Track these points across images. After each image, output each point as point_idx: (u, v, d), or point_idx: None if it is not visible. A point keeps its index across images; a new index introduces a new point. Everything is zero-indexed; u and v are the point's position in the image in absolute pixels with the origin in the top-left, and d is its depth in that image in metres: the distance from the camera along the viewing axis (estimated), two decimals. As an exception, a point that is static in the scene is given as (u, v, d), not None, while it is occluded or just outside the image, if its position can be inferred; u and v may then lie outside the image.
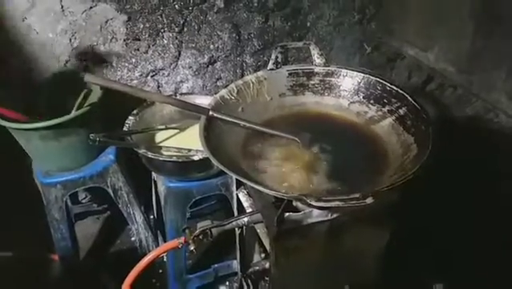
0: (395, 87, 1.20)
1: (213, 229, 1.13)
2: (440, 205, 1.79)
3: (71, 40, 1.72)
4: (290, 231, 1.01)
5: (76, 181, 1.58)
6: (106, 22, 1.73)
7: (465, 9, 1.62)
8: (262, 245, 1.36)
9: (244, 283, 1.64)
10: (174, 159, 1.44)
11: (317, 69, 1.33)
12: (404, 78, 2.13)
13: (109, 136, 1.40)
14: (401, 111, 1.16)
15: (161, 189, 1.60)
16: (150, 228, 1.88)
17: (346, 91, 1.31)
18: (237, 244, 1.59)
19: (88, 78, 1.14)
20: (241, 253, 1.61)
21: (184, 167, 1.46)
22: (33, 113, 1.44)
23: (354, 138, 1.23)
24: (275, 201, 1.05)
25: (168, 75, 1.93)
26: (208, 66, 1.96)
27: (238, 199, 1.37)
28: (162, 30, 1.81)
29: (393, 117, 1.18)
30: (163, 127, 1.63)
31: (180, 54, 1.89)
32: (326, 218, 1.03)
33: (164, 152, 1.52)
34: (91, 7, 1.68)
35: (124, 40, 1.78)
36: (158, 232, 1.98)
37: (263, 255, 1.56)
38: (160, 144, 1.58)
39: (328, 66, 1.33)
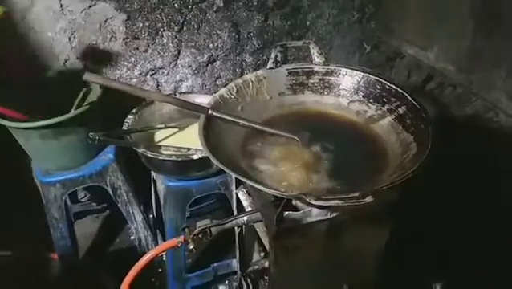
0: (394, 86, 1.20)
1: (212, 228, 1.13)
2: (439, 204, 1.80)
3: (70, 39, 1.72)
4: (290, 230, 1.01)
5: (75, 180, 1.58)
6: (105, 20, 1.72)
7: (465, 8, 1.62)
8: (261, 244, 1.36)
9: (243, 282, 1.64)
10: (173, 158, 1.44)
11: (316, 68, 1.33)
12: (403, 77, 2.13)
13: (108, 134, 1.39)
14: (401, 110, 1.16)
15: (161, 188, 1.60)
16: (149, 227, 1.88)
17: (345, 90, 1.31)
18: (236, 243, 1.58)
19: (88, 77, 1.14)
20: (240, 252, 1.61)
21: (183, 166, 1.46)
22: (32, 112, 1.44)
23: (353, 137, 1.23)
24: (275, 200, 1.05)
25: (168, 73, 1.93)
26: (207, 65, 1.96)
27: (238, 198, 1.37)
28: (161, 29, 1.81)
29: (393, 116, 1.18)
30: (162, 126, 1.63)
31: (179, 53, 1.89)
32: (325, 217, 1.03)
33: (164, 151, 1.51)
34: (90, 6, 1.68)
35: (124, 39, 1.78)
36: (157, 231, 1.98)
37: (263, 254, 1.56)
38: (160, 143, 1.58)
39: (328, 65, 1.33)
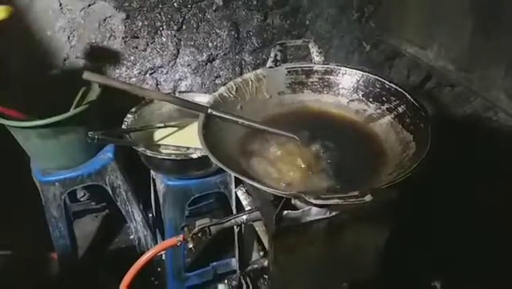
0: (394, 85, 1.20)
1: (211, 227, 1.13)
2: (439, 203, 1.80)
3: (69, 38, 1.72)
4: (289, 229, 1.01)
5: (75, 179, 1.58)
6: (104, 19, 1.72)
7: (465, 6, 1.62)
8: (260, 243, 1.36)
9: (243, 281, 1.64)
10: (173, 157, 1.44)
11: (316, 67, 1.33)
12: (403, 76, 2.13)
13: (108, 133, 1.39)
14: (400, 109, 1.16)
15: (160, 187, 1.60)
16: (149, 226, 1.88)
17: (345, 89, 1.31)
18: (235, 242, 1.59)
19: (87, 75, 1.14)
20: (239, 251, 1.61)
21: (182, 165, 1.46)
22: (31, 111, 1.44)
23: (353, 136, 1.23)
24: (274, 199, 1.05)
25: (167, 72, 1.92)
26: (206, 64, 1.96)
27: (237, 197, 1.37)
28: (161, 28, 1.80)
29: (392, 115, 1.18)
30: (161, 125, 1.63)
31: (178, 52, 1.89)
32: (324, 216, 1.03)
33: (163, 151, 1.51)
34: (89, 5, 1.68)
35: (123, 38, 1.78)
36: (157, 230, 1.98)
37: (262, 253, 1.57)
38: (159, 142, 1.58)
39: (327, 64, 1.33)
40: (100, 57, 1.79)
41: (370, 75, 1.26)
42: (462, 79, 1.71)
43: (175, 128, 1.63)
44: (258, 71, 1.31)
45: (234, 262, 1.74)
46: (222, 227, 1.16)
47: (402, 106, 1.16)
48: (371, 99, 1.26)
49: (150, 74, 1.90)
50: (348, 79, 1.30)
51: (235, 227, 1.48)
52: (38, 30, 1.65)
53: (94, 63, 1.80)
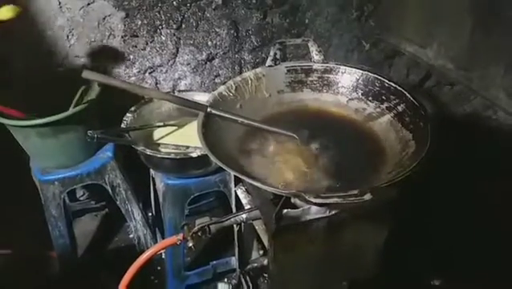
0: (393, 84, 1.20)
1: (211, 226, 1.13)
2: (438, 202, 1.80)
3: (68, 37, 1.71)
4: (289, 228, 1.01)
5: (74, 178, 1.58)
6: (103, 18, 1.72)
7: (464, 5, 1.62)
8: (260, 241, 1.36)
9: (242, 280, 1.64)
10: (172, 156, 1.44)
11: (315, 66, 1.33)
12: (402, 75, 2.14)
13: (107, 132, 1.39)
14: (400, 108, 1.16)
15: (160, 186, 1.60)
16: (148, 225, 1.88)
17: (344, 88, 1.31)
18: (235, 241, 1.59)
19: (86, 74, 1.14)
20: (239, 250, 1.61)
21: (182, 164, 1.46)
22: (31, 110, 1.43)
23: (352, 135, 1.23)
24: (273, 197, 1.05)
25: (166, 71, 1.92)
26: (206, 63, 1.95)
27: (237, 196, 1.37)
28: (160, 27, 1.80)
29: (392, 114, 1.18)
30: (161, 124, 1.62)
31: (178, 50, 1.88)
32: (324, 215, 1.03)
33: (163, 149, 1.51)
34: (88, 4, 1.67)
35: (122, 37, 1.78)
36: (156, 229, 1.98)
37: (262, 252, 1.57)
38: (159, 141, 1.58)
39: (327, 62, 1.33)
40: (99, 56, 1.79)
41: (369, 74, 1.26)
42: (462, 77, 1.72)
43: (174, 127, 1.63)
44: (258, 69, 1.31)
45: (234, 261, 1.74)
46: (222, 226, 1.16)
47: (401, 105, 1.16)
48: (370, 98, 1.26)
49: (149, 73, 1.90)
50: (348, 77, 1.30)
51: (235, 226, 1.48)
52: (37, 29, 1.65)
53: (93, 61, 1.79)
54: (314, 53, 1.34)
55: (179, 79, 1.96)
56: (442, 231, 1.77)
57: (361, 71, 1.28)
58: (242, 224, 1.38)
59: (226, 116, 1.16)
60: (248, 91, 1.28)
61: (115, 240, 2.13)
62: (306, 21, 2.02)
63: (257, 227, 1.26)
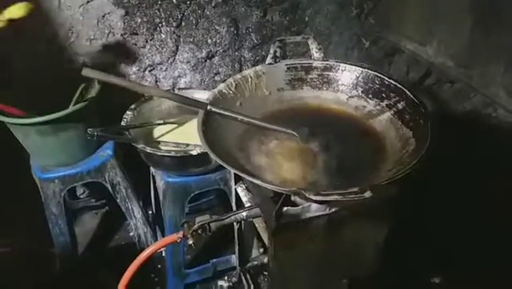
0: (393, 82, 1.20)
1: (211, 224, 1.13)
2: (439, 200, 1.80)
3: (67, 35, 1.71)
4: (289, 225, 1.01)
5: (74, 176, 1.58)
6: (103, 16, 1.72)
7: (464, 3, 1.62)
8: (260, 239, 1.36)
9: (243, 278, 1.65)
10: (172, 154, 1.43)
11: (315, 63, 1.32)
12: (402, 72, 2.13)
13: (107, 130, 1.39)
14: (400, 106, 1.16)
15: (160, 183, 1.60)
16: (149, 223, 1.88)
17: (344, 86, 1.31)
18: (235, 239, 1.59)
19: (86, 72, 1.14)
20: (239, 247, 1.61)
21: (182, 162, 1.46)
22: (31, 108, 1.43)
23: (352, 132, 1.22)
24: (274, 195, 1.05)
25: (166, 69, 1.92)
26: (206, 60, 1.95)
27: (237, 194, 1.37)
28: (160, 25, 1.80)
29: (392, 111, 1.18)
30: (161, 122, 1.63)
31: (177, 48, 1.88)
32: (324, 212, 1.03)
33: (163, 147, 1.51)
34: (88, 1, 1.67)
35: (122, 35, 1.78)
36: (157, 227, 1.99)
37: (262, 250, 1.57)
38: (159, 139, 1.57)
39: (327, 60, 1.32)
40: (99, 54, 1.79)
41: (369, 72, 1.26)
42: (462, 75, 1.71)
43: (174, 125, 1.63)
44: (258, 67, 1.30)
45: (234, 259, 1.74)
46: (222, 224, 1.16)
47: (401, 102, 1.16)
48: (370, 96, 1.25)
49: (149, 71, 1.90)
50: (348, 75, 1.30)
51: (235, 224, 1.49)
52: (37, 27, 1.65)
53: (93, 59, 1.79)
54: (314, 51, 1.34)
55: (179, 76, 1.96)
56: (442, 229, 1.78)
57: (361, 69, 1.28)
58: (242, 222, 1.38)
59: (226, 113, 1.16)
60: (248, 89, 1.28)
61: (116, 238, 2.13)
62: (306, 18, 2.01)
63: (257, 225, 1.26)
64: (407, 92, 1.15)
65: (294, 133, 1.17)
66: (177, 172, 1.54)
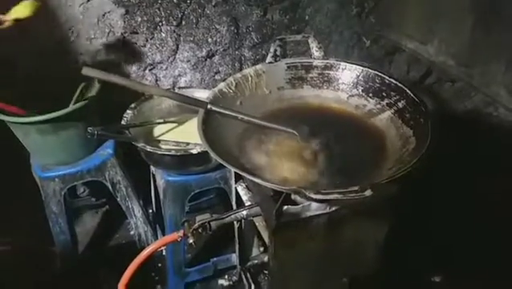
0: (394, 81, 1.20)
1: (212, 223, 1.13)
2: (439, 199, 1.80)
3: (68, 34, 1.71)
4: (289, 224, 1.01)
5: (74, 175, 1.58)
6: (103, 15, 1.72)
7: (465, 1, 1.62)
8: (260, 238, 1.36)
9: (243, 277, 1.64)
10: (173, 153, 1.44)
11: (316, 62, 1.32)
12: (403, 71, 2.13)
13: (107, 129, 1.39)
14: (400, 105, 1.16)
15: (160, 182, 1.60)
16: (149, 222, 1.88)
17: (345, 85, 1.30)
18: (236, 237, 1.59)
19: (86, 71, 1.13)
20: (240, 246, 1.61)
21: (182, 161, 1.46)
22: (31, 107, 1.43)
23: (353, 131, 1.22)
24: (274, 194, 1.05)
25: (166, 68, 1.92)
26: (206, 59, 1.95)
27: (237, 192, 1.37)
28: (160, 24, 1.80)
29: (392, 110, 1.18)
30: (161, 120, 1.62)
31: (178, 47, 1.88)
32: (324, 211, 1.03)
33: (163, 146, 1.51)
34: (88, 0, 1.67)
35: (122, 34, 1.77)
36: (157, 226, 1.99)
37: (262, 248, 1.57)
38: (159, 138, 1.57)
39: (327, 59, 1.32)
40: (99, 53, 1.79)
41: (370, 71, 1.26)
42: (463, 74, 1.71)
43: (175, 124, 1.63)
44: (258, 66, 1.30)
45: (234, 258, 1.74)
46: (222, 223, 1.16)
47: (402, 101, 1.16)
48: (371, 95, 1.25)
49: (149, 70, 1.90)
50: (348, 74, 1.30)
51: (235, 223, 1.48)
52: (37, 27, 1.65)
53: (93, 58, 1.79)
54: (315, 49, 1.33)
55: (179, 75, 1.96)
56: (442, 228, 1.77)
57: (361, 68, 1.27)
58: (243, 221, 1.38)
59: (226, 112, 1.16)
60: (248, 88, 1.27)
61: (116, 237, 2.13)
62: (307, 17, 2.01)
63: (257, 224, 1.26)
64: (407, 91, 1.15)
65: (295, 132, 1.17)
66: (177, 171, 1.54)
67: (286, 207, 0.99)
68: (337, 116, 1.28)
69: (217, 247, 1.90)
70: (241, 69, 2.01)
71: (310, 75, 1.33)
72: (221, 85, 1.23)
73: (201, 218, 1.14)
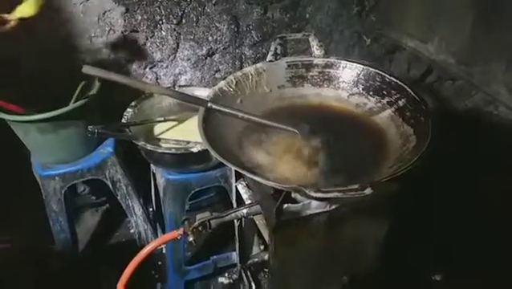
0: (394, 79, 1.20)
1: (212, 221, 1.13)
2: (439, 197, 1.80)
3: (69, 33, 1.71)
4: (289, 222, 1.01)
5: (74, 174, 1.58)
6: (103, 13, 1.71)
7: (465, 0, 1.62)
8: (261, 236, 1.36)
9: (243, 275, 1.64)
10: (173, 151, 1.44)
11: (316, 61, 1.32)
12: (403, 70, 2.13)
13: (107, 128, 1.39)
14: (400, 103, 1.16)
15: (160, 181, 1.60)
16: (149, 220, 1.88)
17: (345, 83, 1.30)
18: (236, 236, 1.59)
19: (86, 69, 1.13)
20: (240, 244, 1.61)
21: (183, 159, 1.46)
22: (31, 105, 1.43)
23: (353, 129, 1.22)
24: (274, 192, 1.05)
25: (167, 67, 1.92)
26: (206, 58, 1.95)
27: (237, 191, 1.37)
28: (160, 22, 1.80)
29: (392, 109, 1.18)
30: (161, 119, 1.62)
31: (178, 46, 1.88)
32: (325, 209, 1.03)
33: (163, 144, 1.51)
34: (88, -1, 1.67)
35: (122, 32, 1.77)
36: (157, 224, 1.99)
37: (262, 247, 1.57)
38: (159, 136, 1.57)
39: (327, 57, 1.32)
40: (100, 51, 1.79)
41: (370, 69, 1.26)
42: (463, 72, 1.71)
43: (175, 122, 1.63)
44: (258, 64, 1.30)
45: (235, 256, 1.74)
46: (223, 221, 1.16)
47: (402, 99, 1.16)
48: (371, 93, 1.25)
49: (150, 68, 1.90)
50: (348, 72, 1.30)
51: (235, 221, 1.48)
52: (38, 26, 1.65)
53: (93, 57, 1.79)
54: (315, 48, 1.33)
55: (179, 74, 1.96)
56: (443, 226, 1.78)
57: (362, 66, 1.27)
58: (243, 219, 1.39)
59: (227, 111, 1.15)
60: (248, 87, 1.27)
61: (116, 235, 2.14)
62: (307, 16, 2.01)
63: (257, 222, 1.26)
64: (408, 90, 1.15)
65: (295, 130, 1.16)
66: (178, 170, 1.54)
67: (286, 205, 0.99)
68: (337, 114, 1.28)
69: (217, 245, 1.90)
70: (241, 67, 2.01)
71: (311, 74, 1.33)
72: (222, 83, 1.23)
73: (201, 217, 1.14)
